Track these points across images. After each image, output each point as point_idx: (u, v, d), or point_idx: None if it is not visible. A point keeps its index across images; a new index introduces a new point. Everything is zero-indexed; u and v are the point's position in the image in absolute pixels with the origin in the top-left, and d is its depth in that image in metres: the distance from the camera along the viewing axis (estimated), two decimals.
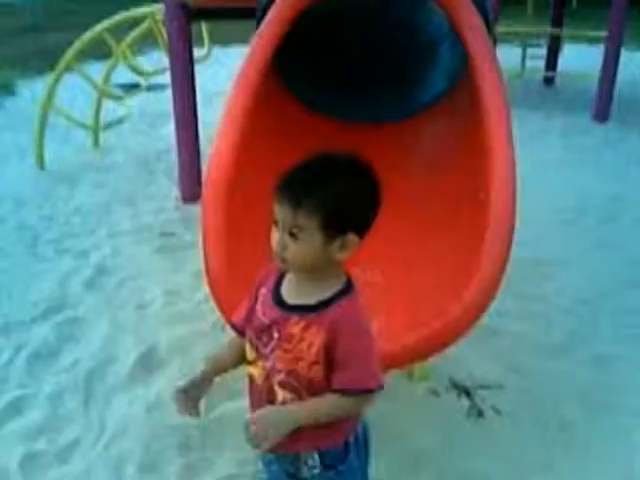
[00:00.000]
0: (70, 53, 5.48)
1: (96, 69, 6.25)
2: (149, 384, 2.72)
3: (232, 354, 1.57)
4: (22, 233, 4.22)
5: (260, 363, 1.44)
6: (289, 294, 1.43)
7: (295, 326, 1.38)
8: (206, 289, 3.35)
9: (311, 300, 1.39)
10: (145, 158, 5.79)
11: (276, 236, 1.35)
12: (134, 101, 7.13)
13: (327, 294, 1.39)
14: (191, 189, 4.69)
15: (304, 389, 1.40)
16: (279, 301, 1.43)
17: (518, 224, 2.25)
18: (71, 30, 13.51)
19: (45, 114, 5.49)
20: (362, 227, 1.38)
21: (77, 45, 5.50)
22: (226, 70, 9.57)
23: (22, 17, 17.80)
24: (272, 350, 1.41)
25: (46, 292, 3.45)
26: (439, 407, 2.57)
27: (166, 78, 7.91)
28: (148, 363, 2.85)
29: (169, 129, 6.54)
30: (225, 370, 1.58)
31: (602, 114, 6.62)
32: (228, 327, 2.96)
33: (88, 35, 5.49)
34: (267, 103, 2.82)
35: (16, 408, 2.59)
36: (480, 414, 2.52)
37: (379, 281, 2.54)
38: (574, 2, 8.94)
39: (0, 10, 22.42)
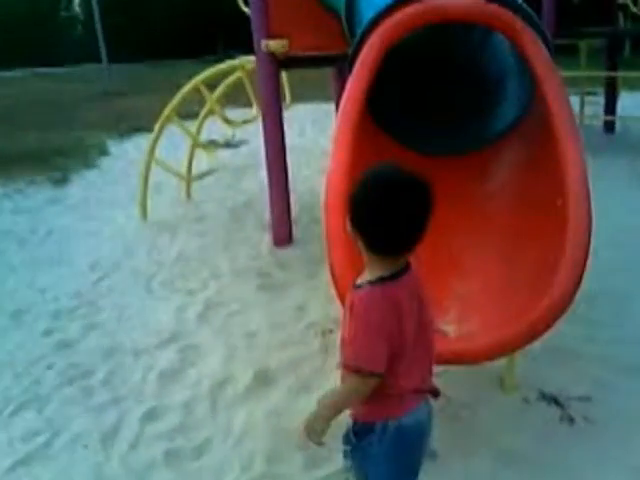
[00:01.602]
0: (170, 107, 5.92)
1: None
2: (265, 397, 3.07)
3: None
4: (137, 276, 4.73)
5: None
6: None
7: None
8: (307, 320, 3.76)
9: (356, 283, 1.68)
10: (233, 208, 6.28)
11: None
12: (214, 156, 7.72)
13: (360, 281, 1.66)
14: (283, 234, 5.07)
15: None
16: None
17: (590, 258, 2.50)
18: (144, 94, 14.63)
19: (149, 168, 6.03)
20: (368, 237, 1.62)
21: (176, 99, 5.91)
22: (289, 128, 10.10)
23: (99, 83, 19.45)
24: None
25: (165, 323, 3.90)
26: (531, 413, 2.80)
27: (242, 135, 8.61)
28: (262, 380, 3.20)
29: (250, 182, 7.10)
30: None
31: None
32: (332, 350, 3.33)
33: (186, 88, 5.92)
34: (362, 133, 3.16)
35: (154, 415, 2.99)
36: (571, 421, 2.72)
37: (476, 288, 2.90)
38: (627, 50, 9.21)
39: (78, 77, 24.40)
